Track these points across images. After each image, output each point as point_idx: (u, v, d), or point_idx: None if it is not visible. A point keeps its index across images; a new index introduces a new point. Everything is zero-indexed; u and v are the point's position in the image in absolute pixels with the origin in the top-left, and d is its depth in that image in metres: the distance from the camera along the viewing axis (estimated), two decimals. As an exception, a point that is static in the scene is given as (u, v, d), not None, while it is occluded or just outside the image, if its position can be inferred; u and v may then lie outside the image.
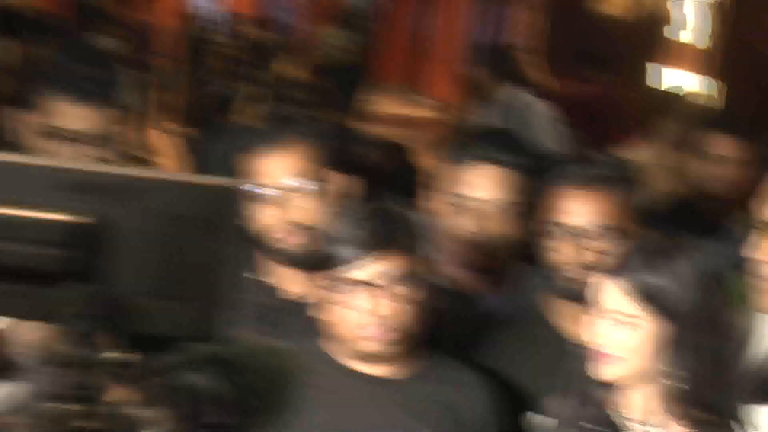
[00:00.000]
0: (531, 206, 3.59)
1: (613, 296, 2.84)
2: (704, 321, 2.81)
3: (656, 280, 2.80)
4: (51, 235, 1.78)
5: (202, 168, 4.55)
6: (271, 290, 3.42)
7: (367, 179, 4.96)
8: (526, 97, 8.02)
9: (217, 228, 1.66)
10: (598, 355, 2.87)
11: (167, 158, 7.06)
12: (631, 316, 2.82)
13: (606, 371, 2.87)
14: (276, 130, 3.41)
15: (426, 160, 5.45)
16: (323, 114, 5.63)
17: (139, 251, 1.74)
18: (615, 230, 3.28)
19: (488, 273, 3.64)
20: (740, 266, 3.30)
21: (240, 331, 3.29)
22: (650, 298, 2.81)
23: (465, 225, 3.57)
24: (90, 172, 1.86)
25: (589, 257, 3.24)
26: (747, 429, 2.88)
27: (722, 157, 5.04)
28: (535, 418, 3.29)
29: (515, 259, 3.73)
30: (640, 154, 6.08)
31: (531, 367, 3.33)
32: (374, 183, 5.20)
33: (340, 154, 3.53)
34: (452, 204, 3.59)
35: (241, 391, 1.94)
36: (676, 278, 2.81)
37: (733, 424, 2.87)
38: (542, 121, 7.77)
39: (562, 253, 3.30)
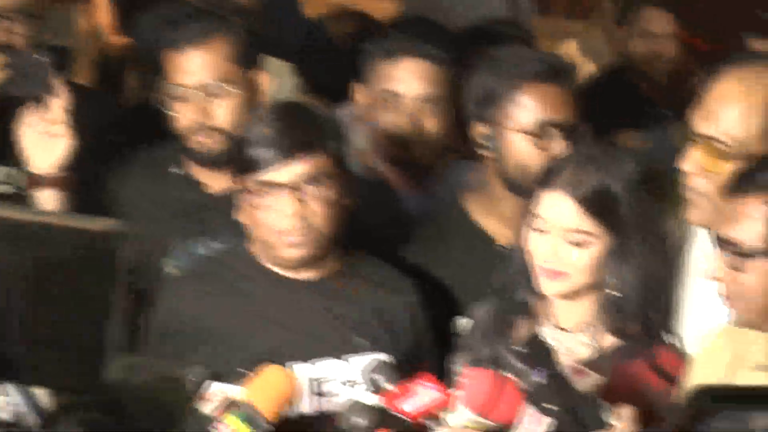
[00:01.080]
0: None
1: (565, 212, 2.80)
2: (645, 233, 2.80)
3: (614, 187, 2.78)
4: None
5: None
6: (196, 186, 3.41)
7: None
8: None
9: (99, 273, 1.56)
10: (545, 272, 2.84)
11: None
12: (585, 233, 2.80)
13: (553, 287, 2.85)
14: (197, 25, 3.32)
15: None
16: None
17: (17, 299, 1.60)
18: (564, 126, 3.25)
19: (415, 169, 3.63)
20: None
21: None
22: (604, 213, 2.78)
23: (392, 120, 3.54)
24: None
25: (541, 157, 3.20)
26: (678, 342, 2.92)
27: (655, 32, 5.05)
28: (462, 322, 3.31)
29: (443, 155, 3.71)
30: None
31: (456, 268, 3.34)
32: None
33: (262, 48, 3.47)
34: (379, 99, 3.56)
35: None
36: (626, 190, 2.79)
37: (665, 336, 2.88)
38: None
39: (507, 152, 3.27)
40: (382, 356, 2.96)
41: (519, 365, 2.61)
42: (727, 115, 2.73)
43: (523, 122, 3.25)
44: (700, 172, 2.76)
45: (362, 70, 3.63)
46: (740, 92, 2.73)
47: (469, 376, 2.59)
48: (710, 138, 2.74)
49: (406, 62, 3.53)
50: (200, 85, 3.29)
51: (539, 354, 2.57)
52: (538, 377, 2.49)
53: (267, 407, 2.61)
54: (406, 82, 3.52)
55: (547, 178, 2.86)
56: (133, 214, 3.37)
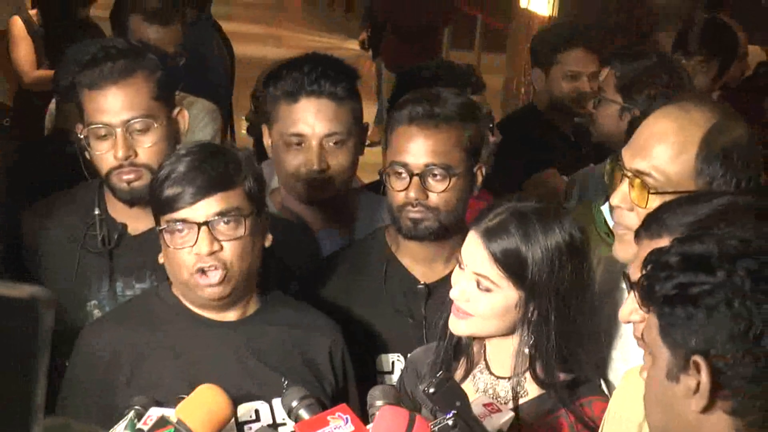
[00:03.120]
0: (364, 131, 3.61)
1: (480, 258, 2.83)
2: (560, 294, 2.81)
3: (525, 251, 2.79)
4: None
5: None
6: (119, 227, 3.38)
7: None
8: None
9: (21, 343, 1.49)
10: (454, 309, 2.88)
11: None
12: (492, 282, 2.82)
13: (458, 327, 2.89)
14: (116, 63, 3.29)
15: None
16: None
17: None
18: (453, 169, 3.24)
19: (328, 207, 3.63)
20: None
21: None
22: (515, 268, 2.80)
23: (299, 161, 3.52)
24: None
25: (432, 198, 3.22)
26: (604, 387, 2.93)
27: (573, 71, 5.11)
28: (385, 359, 3.30)
29: (356, 190, 3.73)
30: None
31: (379, 306, 3.34)
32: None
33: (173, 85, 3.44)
34: (284, 141, 3.54)
35: None
36: (543, 251, 2.79)
37: (588, 384, 2.90)
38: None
39: (404, 193, 3.25)
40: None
41: (430, 406, 2.60)
42: (658, 151, 2.75)
43: (389, 162, 3.27)
44: (629, 208, 2.77)
45: (268, 113, 3.61)
46: (672, 129, 2.76)
47: (383, 414, 2.60)
48: (640, 172, 2.75)
49: (306, 102, 3.50)
50: (122, 123, 3.27)
51: (450, 395, 2.56)
52: (447, 420, 2.48)
53: (199, 424, 2.62)
54: (309, 123, 3.50)
55: (477, 220, 2.88)
56: (53, 256, 3.34)
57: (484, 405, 2.73)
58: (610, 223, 3.43)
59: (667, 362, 2.08)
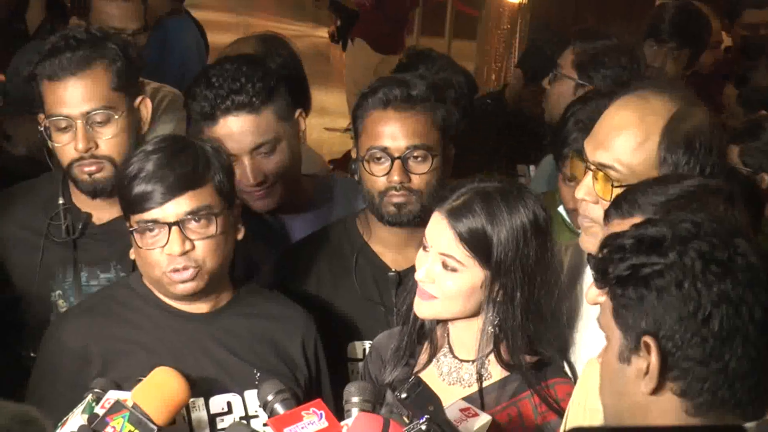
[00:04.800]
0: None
1: (446, 238, 2.83)
2: (525, 272, 2.81)
3: (491, 230, 2.79)
4: None
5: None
6: (83, 216, 3.35)
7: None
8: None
9: None
10: (419, 292, 2.88)
11: None
12: (458, 261, 2.82)
13: (422, 309, 2.88)
14: (75, 54, 3.24)
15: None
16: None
17: None
18: (433, 150, 3.24)
19: (286, 205, 3.58)
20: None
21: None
22: (481, 247, 2.80)
23: (239, 176, 3.40)
24: None
25: (414, 180, 3.22)
26: (567, 370, 2.94)
27: None
28: (357, 346, 3.30)
29: (312, 178, 3.71)
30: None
31: (351, 294, 3.33)
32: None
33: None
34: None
35: None
36: (508, 230, 2.79)
37: (552, 366, 2.90)
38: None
39: (385, 178, 3.24)
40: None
41: (404, 411, 2.59)
42: (619, 142, 2.74)
43: (367, 148, 3.24)
44: (593, 199, 2.77)
45: (194, 135, 3.46)
46: (632, 120, 2.75)
47: (358, 421, 2.60)
48: (603, 165, 2.75)
49: (224, 122, 3.44)
50: (81, 114, 3.23)
51: (422, 400, 2.55)
52: (420, 424, 2.48)
53: (155, 408, 2.61)
54: (234, 140, 3.42)
55: (439, 199, 2.88)
56: (16, 247, 3.32)
57: (461, 410, 2.72)
58: (568, 220, 3.45)
59: (619, 344, 2.10)
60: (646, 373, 2.05)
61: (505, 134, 5.08)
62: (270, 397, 2.77)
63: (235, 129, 3.43)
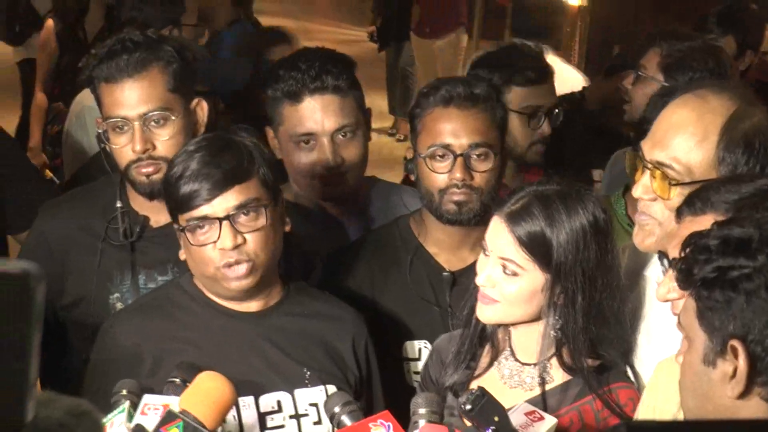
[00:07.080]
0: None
1: (505, 242, 2.82)
2: (585, 275, 2.79)
3: (550, 233, 2.77)
4: None
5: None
6: (140, 219, 3.37)
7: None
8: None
9: (14, 318, 1.51)
10: (480, 296, 2.86)
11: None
12: (518, 265, 2.81)
13: (484, 314, 2.87)
14: (133, 56, 3.27)
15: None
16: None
17: None
18: (494, 148, 3.24)
19: (344, 200, 3.61)
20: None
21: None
22: (541, 251, 2.79)
23: (311, 159, 3.51)
24: None
25: (476, 178, 3.22)
26: (630, 374, 2.91)
27: None
28: (411, 346, 3.28)
29: (368, 179, 3.70)
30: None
31: (405, 294, 3.32)
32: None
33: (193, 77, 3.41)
34: (293, 142, 3.54)
35: None
36: (567, 232, 2.78)
37: (615, 370, 2.88)
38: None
39: (447, 175, 3.23)
40: (332, 388, 2.95)
41: (468, 424, 2.57)
42: (677, 141, 2.72)
43: (428, 145, 3.24)
44: (650, 198, 2.74)
45: (271, 115, 3.58)
46: (690, 119, 2.73)
47: (425, 429, 2.60)
48: (660, 164, 2.72)
49: (310, 101, 3.50)
50: (138, 116, 3.25)
51: (488, 412, 2.53)
52: None
53: (205, 414, 2.60)
54: (317, 120, 3.49)
55: (499, 205, 2.87)
56: (75, 251, 3.34)
57: (526, 413, 2.68)
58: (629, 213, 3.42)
59: (703, 346, 2.06)
60: (733, 377, 2.01)
61: (586, 138, 5.00)
62: (337, 409, 2.77)
63: (321, 108, 3.48)
